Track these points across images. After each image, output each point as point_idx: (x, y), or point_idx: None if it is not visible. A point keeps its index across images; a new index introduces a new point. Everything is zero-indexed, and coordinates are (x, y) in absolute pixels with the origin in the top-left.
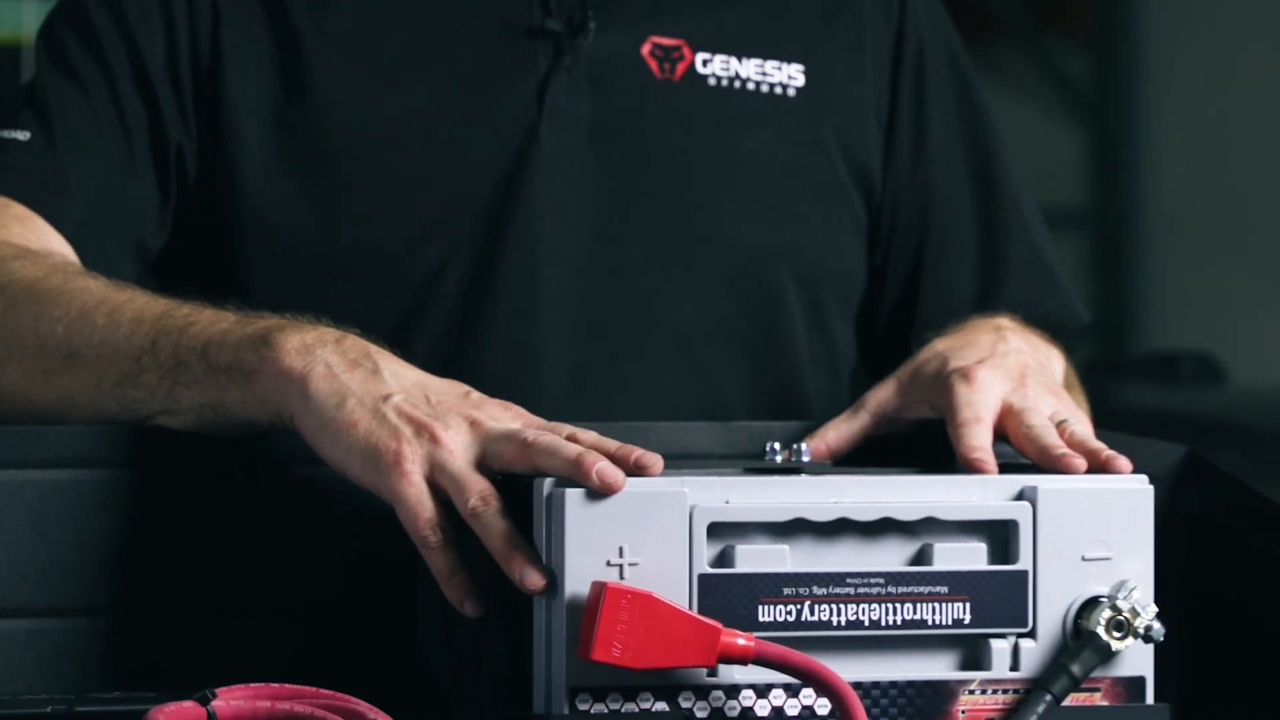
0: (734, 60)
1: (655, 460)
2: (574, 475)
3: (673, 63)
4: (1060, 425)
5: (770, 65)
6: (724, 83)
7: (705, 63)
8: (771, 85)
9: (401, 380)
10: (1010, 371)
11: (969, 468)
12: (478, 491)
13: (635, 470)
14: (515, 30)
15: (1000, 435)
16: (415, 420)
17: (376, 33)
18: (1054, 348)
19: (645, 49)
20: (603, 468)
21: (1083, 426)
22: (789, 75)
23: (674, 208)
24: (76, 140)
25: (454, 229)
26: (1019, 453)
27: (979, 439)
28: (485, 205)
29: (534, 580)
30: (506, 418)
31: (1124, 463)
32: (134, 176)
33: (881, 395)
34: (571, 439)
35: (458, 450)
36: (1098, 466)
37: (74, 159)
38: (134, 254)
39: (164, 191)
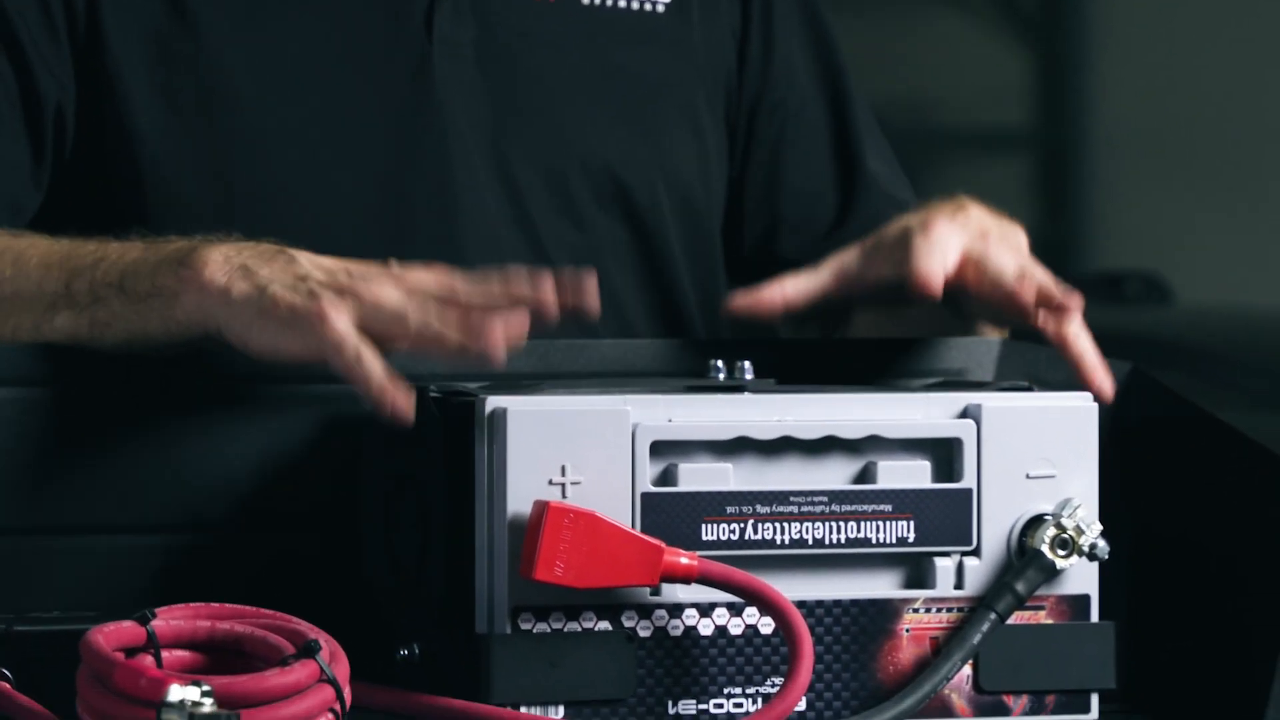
0: None
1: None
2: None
3: None
4: (1020, 274)
5: None
6: (598, 1)
7: None
8: (643, 2)
9: (319, 262)
10: (971, 229)
11: (917, 288)
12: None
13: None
14: None
15: (957, 292)
16: (337, 285)
17: None
18: (1016, 225)
19: None
20: (397, 404)
21: (1044, 276)
22: None
23: (556, 130)
24: None
25: (358, 161)
26: (975, 297)
27: (931, 262)
28: (386, 138)
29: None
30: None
31: (1076, 299)
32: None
33: (843, 255)
34: (492, 291)
35: (385, 300)
36: (1053, 307)
37: None
38: (7, 211)
39: (37, 149)
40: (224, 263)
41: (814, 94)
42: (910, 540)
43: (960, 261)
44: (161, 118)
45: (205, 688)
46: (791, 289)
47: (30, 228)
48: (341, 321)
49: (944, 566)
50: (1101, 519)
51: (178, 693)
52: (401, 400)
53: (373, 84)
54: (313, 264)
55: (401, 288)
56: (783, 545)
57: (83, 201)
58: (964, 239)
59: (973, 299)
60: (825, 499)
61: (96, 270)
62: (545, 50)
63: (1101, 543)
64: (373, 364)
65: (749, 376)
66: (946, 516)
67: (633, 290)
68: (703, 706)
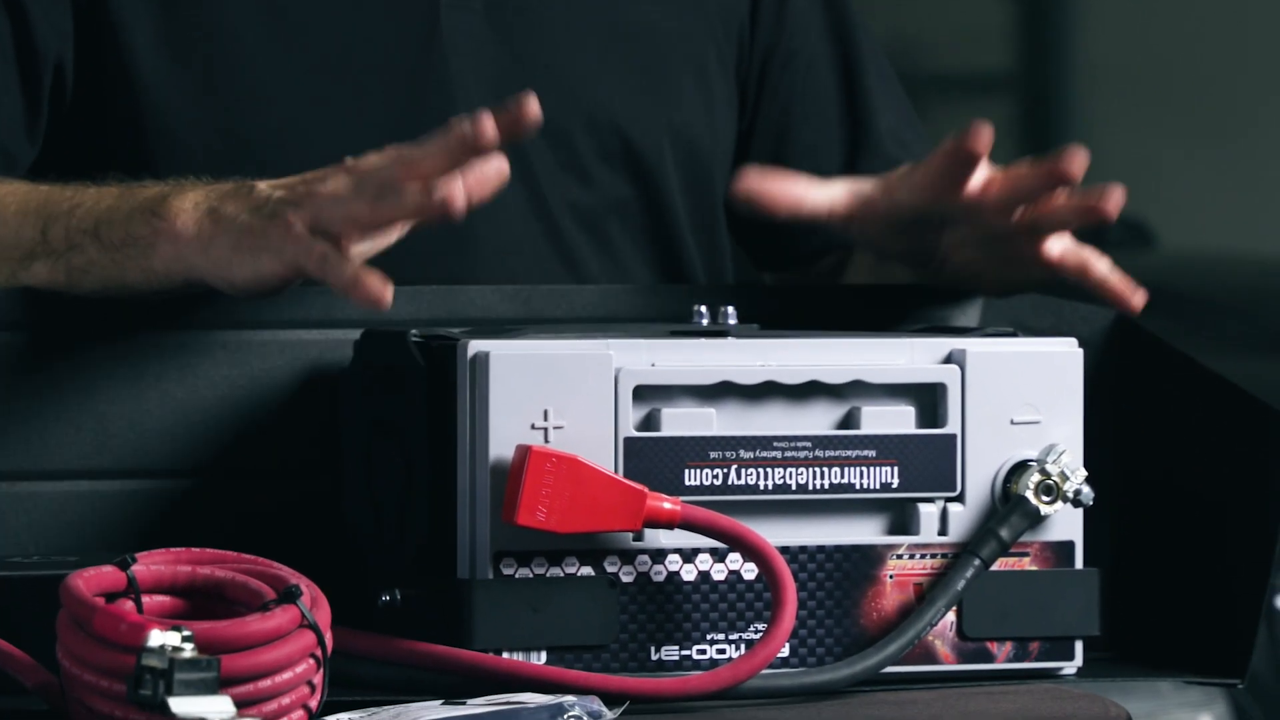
0: None
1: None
2: (423, 214)
3: None
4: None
5: None
6: None
7: None
8: None
9: (277, 182)
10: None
11: (962, 145)
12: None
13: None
14: None
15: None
16: (294, 196)
17: None
18: None
19: None
20: (445, 193)
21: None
22: None
23: (565, 84)
24: None
25: (360, 113)
26: (1006, 200)
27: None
28: (392, 91)
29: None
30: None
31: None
32: None
33: (856, 181)
34: (438, 146)
35: (340, 190)
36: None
37: None
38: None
39: (33, 101)
40: (193, 210)
41: (825, 50)
42: (894, 486)
43: (985, 180)
44: (164, 68)
45: (186, 633)
46: (807, 196)
47: (29, 178)
48: (299, 226)
49: (928, 512)
50: (1086, 465)
51: (158, 638)
52: (375, 286)
53: (378, 35)
54: (271, 186)
55: (355, 175)
56: (766, 490)
57: (84, 152)
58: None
59: (996, 200)
60: (809, 444)
61: (72, 217)
62: (556, 4)
63: (1086, 489)
64: (338, 259)
65: (733, 321)
66: (931, 462)
67: (636, 248)
68: (685, 652)
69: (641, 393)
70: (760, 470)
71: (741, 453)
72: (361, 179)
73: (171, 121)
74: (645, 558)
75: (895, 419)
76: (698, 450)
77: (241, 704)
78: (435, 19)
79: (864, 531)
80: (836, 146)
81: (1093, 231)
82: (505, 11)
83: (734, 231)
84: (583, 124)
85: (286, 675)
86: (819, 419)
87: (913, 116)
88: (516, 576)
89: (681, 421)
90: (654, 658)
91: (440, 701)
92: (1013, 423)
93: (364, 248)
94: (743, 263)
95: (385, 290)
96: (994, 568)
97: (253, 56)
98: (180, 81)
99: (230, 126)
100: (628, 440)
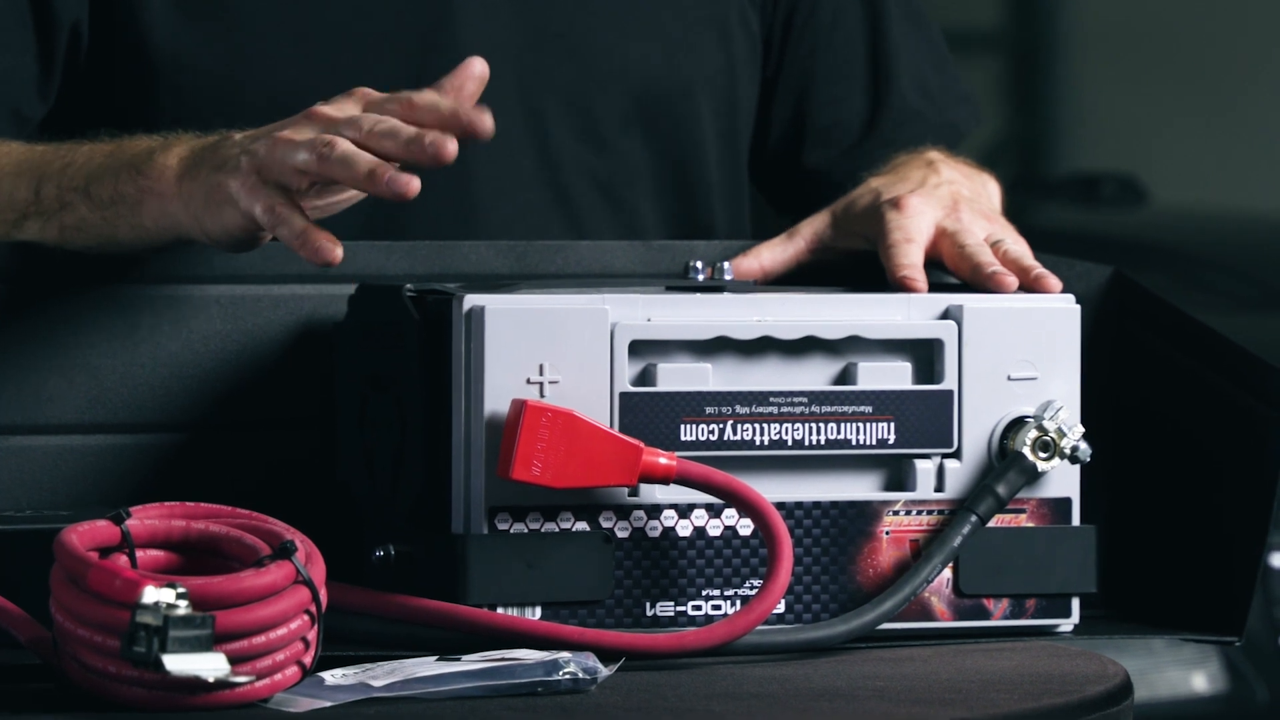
0: None
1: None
2: (367, 189)
3: None
4: (995, 245)
5: None
6: None
7: None
8: None
9: (250, 133)
10: (943, 199)
11: (899, 286)
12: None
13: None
14: None
15: (935, 261)
16: (255, 149)
17: None
18: (987, 175)
19: None
20: (393, 177)
21: (1018, 246)
22: None
23: (585, 48)
24: None
25: (370, 77)
26: (953, 273)
27: (910, 257)
28: (406, 56)
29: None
30: (346, 105)
31: (1054, 281)
32: (4, 49)
33: (816, 224)
34: (408, 104)
35: (295, 140)
36: (1028, 285)
37: None
38: (9, 120)
39: (46, 60)
40: (177, 165)
41: (852, 2)
42: (890, 442)
43: (935, 236)
44: (177, 29)
45: (180, 589)
46: (768, 258)
47: (40, 137)
48: (254, 177)
49: (924, 469)
50: (1083, 422)
51: (152, 594)
52: (322, 244)
53: (396, 2)
54: (245, 136)
55: (316, 122)
56: (762, 446)
57: (95, 109)
58: (937, 214)
59: (949, 270)
60: (805, 400)
61: (63, 176)
62: None
63: (1083, 445)
64: (288, 213)
65: (729, 277)
66: (927, 418)
67: (657, 215)
68: (680, 608)
69: (637, 348)
70: (756, 426)
71: (737, 408)
72: (324, 127)
73: (181, 80)
74: (641, 513)
75: (892, 375)
76: (693, 405)
77: (235, 660)
78: None
79: (860, 488)
80: (858, 104)
81: (1083, 188)
82: None
83: (762, 188)
84: (600, 92)
85: (281, 631)
86: (815, 374)
87: (943, 60)
88: (511, 532)
89: (677, 376)
90: (649, 614)
91: (435, 657)
92: (1010, 379)
93: (322, 202)
94: (761, 223)
95: (334, 249)
96: (990, 524)
97: (263, 19)
98: (189, 41)
99: (239, 88)
100: (623, 395)
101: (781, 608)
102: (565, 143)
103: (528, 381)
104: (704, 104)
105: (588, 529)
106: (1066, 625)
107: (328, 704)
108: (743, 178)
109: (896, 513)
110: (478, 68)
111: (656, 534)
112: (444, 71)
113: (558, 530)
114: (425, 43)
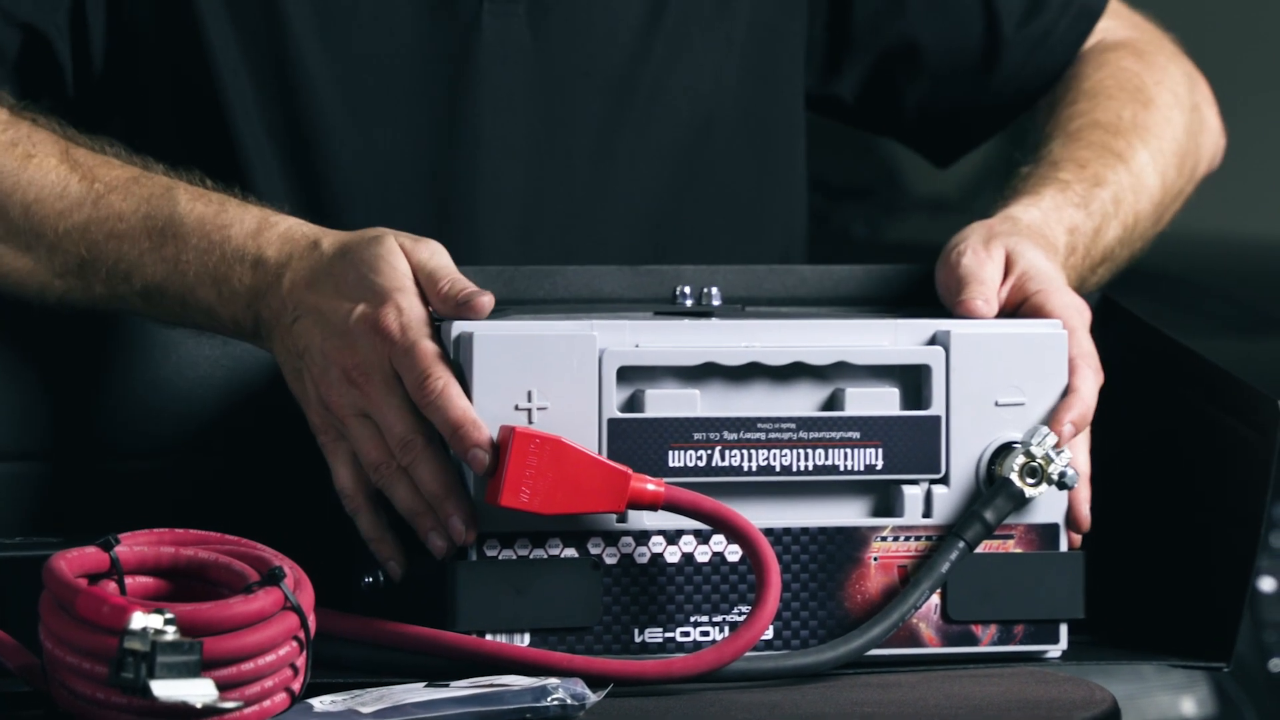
0: None
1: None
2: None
3: None
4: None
5: None
6: None
7: None
8: None
9: (327, 376)
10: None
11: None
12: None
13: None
14: None
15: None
16: (329, 425)
17: None
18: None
19: None
20: (385, 560)
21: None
22: None
23: (615, 81)
24: None
25: (397, 114)
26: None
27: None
28: (429, 100)
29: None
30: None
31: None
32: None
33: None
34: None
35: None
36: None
37: None
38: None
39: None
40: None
41: None
42: (878, 468)
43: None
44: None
45: (168, 615)
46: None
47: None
48: (342, 472)
49: (912, 495)
50: (1070, 447)
51: (140, 620)
52: (387, 555)
53: (419, 34)
54: (320, 379)
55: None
56: (750, 472)
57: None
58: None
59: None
60: (793, 426)
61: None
62: (596, 6)
63: (1071, 471)
64: (365, 520)
65: (717, 302)
66: (915, 444)
67: (700, 239)
68: (669, 634)
69: (625, 374)
70: (744, 452)
71: (725, 434)
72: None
73: (228, 100)
74: (629, 539)
75: (879, 401)
76: (682, 431)
77: (224, 686)
78: (477, 26)
79: (848, 513)
80: (974, 44)
81: None
82: (547, 14)
83: (905, 138)
84: (628, 131)
85: (269, 658)
86: (803, 400)
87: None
88: (500, 558)
89: (665, 403)
90: (637, 640)
91: (424, 684)
92: (997, 404)
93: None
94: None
95: (398, 560)
96: (978, 550)
97: (298, 45)
98: (241, 59)
99: (280, 109)
100: (612, 421)
101: (770, 634)
102: (594, 182)
103: (516, 408)
104: (741, 122)
105: (576, 555)
106: (1055, 651)
107: None
108: (790, 183)
109: (884, 539)
110: None
111: (645, 560)
112: (467, 109)
113: (546, 557)
114: (451, 78)
